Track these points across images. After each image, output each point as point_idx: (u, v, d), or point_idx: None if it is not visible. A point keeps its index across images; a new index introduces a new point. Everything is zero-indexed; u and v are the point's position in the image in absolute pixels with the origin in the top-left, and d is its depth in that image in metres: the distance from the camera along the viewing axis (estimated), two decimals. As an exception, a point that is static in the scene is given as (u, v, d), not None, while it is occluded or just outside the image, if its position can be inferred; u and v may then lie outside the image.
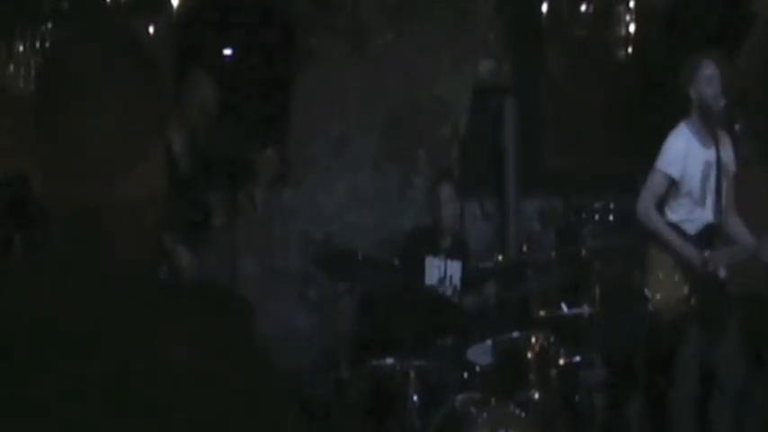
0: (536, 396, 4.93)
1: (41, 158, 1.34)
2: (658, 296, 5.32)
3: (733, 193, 5.46)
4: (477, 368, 5.16)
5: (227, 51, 6.62)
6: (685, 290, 5.27)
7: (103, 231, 1.33)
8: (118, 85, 1.33)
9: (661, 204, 5.44)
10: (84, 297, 1.30)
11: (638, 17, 6.50)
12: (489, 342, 5.15)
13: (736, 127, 5.29)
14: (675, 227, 5.35)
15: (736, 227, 5.42)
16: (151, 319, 1.30)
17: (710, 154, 5.31)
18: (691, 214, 5.33)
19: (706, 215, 5.30)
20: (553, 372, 5.04)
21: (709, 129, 5.30)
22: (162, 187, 1.37)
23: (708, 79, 5.21)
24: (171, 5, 5.86)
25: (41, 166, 1.34)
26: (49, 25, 5.90)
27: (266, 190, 5.27)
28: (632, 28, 6.50)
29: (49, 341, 1.27)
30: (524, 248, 6.40)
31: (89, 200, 1.32)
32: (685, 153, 5.34)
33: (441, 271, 5.99)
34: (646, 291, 5.32)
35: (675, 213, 5.39)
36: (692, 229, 5.33)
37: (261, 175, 5.21)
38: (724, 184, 5.32)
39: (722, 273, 5.32)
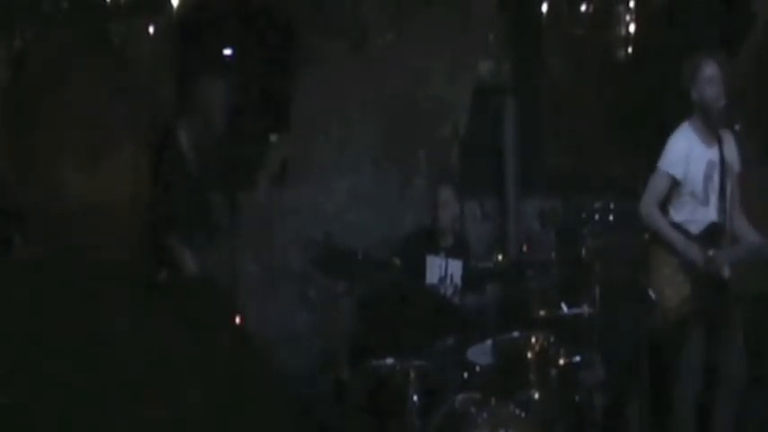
0: (536, 396, 4.94)
1: (10, 159, 1.34)
2: (662, 296, 5.31)
3: (738, 193, 5.44)
4: (477, 368, 5.17)
5: (227, 51, 6.62)
6: (689, 289, 5.26)
7: (71, 233, 1.32)
8: (80, 85, 1.33)
9: (664, 205, 5.44)
10: (55, 299, 1.29)
11: (638, 17, 6.50)
12: (489, 342, 5.16)
13: (736, 127, 5.29)
14: (679, 227, 5.35)
15: (743, 226, 5.41)
16: (126, 318, 1.30)
17: (713, 154, 5.30)
18: (694, 214, 5.33)
19: (709, 215, 5.29)
20: (553, 372, 5.05)
21: (712, 128, 5.29)
22: (137, 189, 1.36)
23: (709, 79, 5.20)
24: (171, 5, 5.86)
25: (10, 167, 1.34)
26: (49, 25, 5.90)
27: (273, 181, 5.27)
28: (632, 28, 6.50)
29: (29, 343, 1.27)
30: (524, 248, 6.40)
31: (52, 201, 1.31)
32: (687, 153, 5.34)
33: (441, 270, 5.99)
34: (650, 291, 5.32)
35: (679, 213, 5.38)
36: (695, 228, 5.32)
37: (269, 162, 5.20)
38: (728, 183, 5.30)
39: (726, 272, 5.32)
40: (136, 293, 1.33)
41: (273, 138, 5.32)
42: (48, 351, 1.27)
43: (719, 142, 5.28)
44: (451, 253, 6.07)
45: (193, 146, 5.13)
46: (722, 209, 5.27)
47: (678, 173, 5.35)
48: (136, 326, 1.30)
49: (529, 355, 5.03)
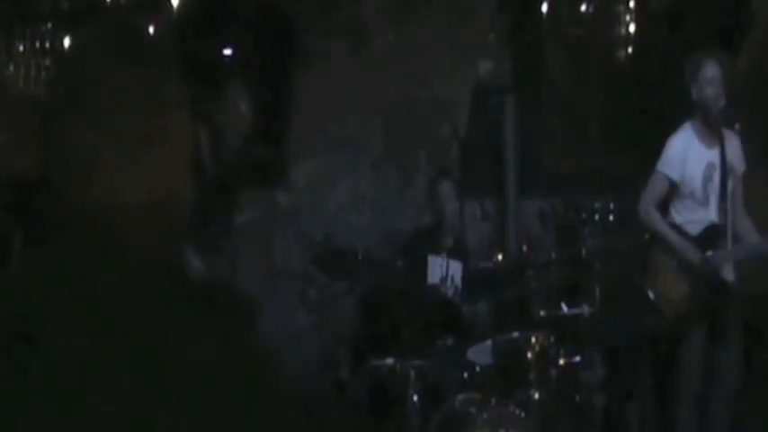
0: (536, 396, 4.94)
1: (50, 159, 1.35)
2: (661, 296, 5.31)
3: (741, 194, 5.42)
4: (477, 368, 5.17)
5: (227, 51, 6.62)
6: (687, 290, 5.26)
7: (106, 230, 1.33)
8: (122, 87, 1.34)
9: (666, 206, 5.43)
10: (89, 295, 1.30)
11: (638, 17, 6.50)
12: (489, 342, 5.16)
13: (736, 126, 5.28)
14: (679, 228, 5.34)
15: (746, 227, 5.39)
16: (157, 317, 1.31)
17: (713, 155, 5.28)
18: (694, 215, 5.32)
19: (709, 216, 5.28)
20: (553, 372, 5.05)
21: (712, 129, 5.28)
22: (176, 190, 1.37)
23: (709, 79, 5.19)
24: (171, 5, 5.85)
25: (50, 166, 1.35)
26: (49, 25, 5.90)
27: (239, 148, 5.24)
28: (632, 28, 6.49)
29: (55, 337, 1.28)
30: (524, 248, 6.40)
31: (90, 198, 1.32)
32: (685, 154, 5.32)
33: (443, 270, 5.98)
34: (649, 291, 5.31)
35: (680, 214, 5.37)
36: (695, 229, 5.31)
37: (230, 135, 5.19)
38: (730, 184, 5.28)
39: (729, 273, 5.31)
40: (167, 292, 1.34)
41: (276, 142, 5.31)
42: (72, 346, 1.27)
43: (721, 143, 5.25)
44: (453, 253, 6.06)
45: (213, 150, 5.11)
46: (722, 210, 5.25)
47: (674, 174, 5.33)
48: (156, 324, 1.31)
49: (529, 355, 5.03)
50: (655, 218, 5.38)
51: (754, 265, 5.43)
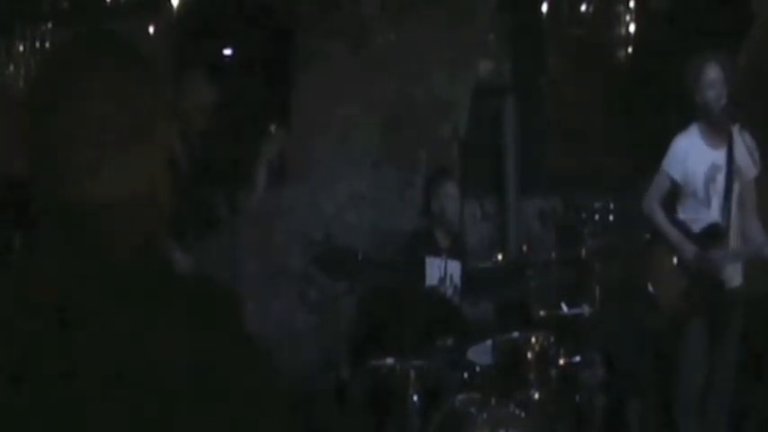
0: (536, 396, 4.94)
1: (33, 158, 1.36)
2: (660, 292, 5.32)
3: (753, 197, 5.41)
4: (477, 368, 5.17)
5: (227, 51, 6.62)
6: (687, 288, 5.27)
7: (89, 229, 1.33)
8: (102, 85, 1.34)
9: (673, 202, 5.46)
10: (73, 296, 1.30)
11: (638, 17, 6.49)
12: (489, 342, 5.16)
13: (735, 126, 5.28)
14: (682, 224, 5.36)
15: (755, 231, 5.38)
16: (139, 316, 1.31)
17: (718, 156, 5.29)
18: (697, 214, 5.34)
19: (711, 215, 5.29)
20: (553, 372, 5.05)
21: (716, 130, 5.29)
22: (156, 188, 1.38)
23: (711, 82, 5.20)
24: (171, 5, 5.85)
25: (33, 165, 1.36)
26: (49, 25, 5.90)
27: (270, 170, 5.26)
28: (632, 28, 6.49)
29: (43, 342, 1.28)
30: (524, 248, 6.41)
31: (71, 197, 1.32)
32: (687, 154, 5.35)
33: (441, 270, 5.98)
34: (649, 287, 5.33)
35: (684, 211, 5.41)
36: (697, 228, 5.33)
37: (267, 150, 5.22)
38: (736, 186, 5.28)
39: (735, 277, 5.32)
40: (147, 291, 1.34)
41: (271, 129, 5.33)
42: (57, 347, 1.27)
43: (730, 144, 5.25)
44: (451, 253, 6.06)
45: (181, 145, 5.11)
46: (725, 211, 5.26)
47: (676, 173, 5.37)
48: (145, 324, 1.31)
49: (529, 355, 5.03)
50: (657, 214, 5.41)
51: (755, 265, 5.43)
